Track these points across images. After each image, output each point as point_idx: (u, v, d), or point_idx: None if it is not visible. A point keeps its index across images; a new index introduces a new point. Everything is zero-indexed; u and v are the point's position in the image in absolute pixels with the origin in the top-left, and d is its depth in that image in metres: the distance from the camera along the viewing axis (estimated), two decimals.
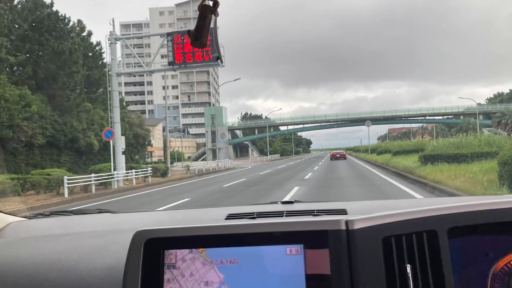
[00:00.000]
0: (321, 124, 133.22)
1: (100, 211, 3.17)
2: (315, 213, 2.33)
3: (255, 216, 2.35)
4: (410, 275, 1.28)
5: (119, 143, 32.84)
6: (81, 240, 2.10)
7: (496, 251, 1.37)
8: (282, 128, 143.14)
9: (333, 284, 1.28)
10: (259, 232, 1.35)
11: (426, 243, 1.33)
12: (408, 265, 1.30)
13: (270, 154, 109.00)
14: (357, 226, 1.32)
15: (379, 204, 2.64)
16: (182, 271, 1.37)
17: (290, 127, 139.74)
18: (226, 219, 2.41)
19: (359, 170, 40.44)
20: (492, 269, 1.35)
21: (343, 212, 2.35)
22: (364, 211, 2.34)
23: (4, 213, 2.81)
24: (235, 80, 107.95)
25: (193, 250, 1.38)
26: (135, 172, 33.79)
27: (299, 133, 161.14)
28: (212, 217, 2.57)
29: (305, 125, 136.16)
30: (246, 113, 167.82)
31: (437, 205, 1.40)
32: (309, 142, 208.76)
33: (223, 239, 1.38)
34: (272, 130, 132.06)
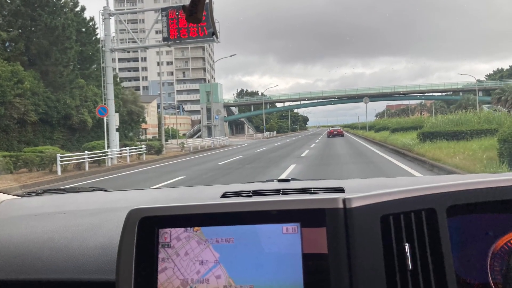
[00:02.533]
0: (318, 100, 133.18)
1: (94, 189, 3.17)
2: (312, 191, 2.33)
3: (251, 194, 2.35)
4: (408, 254, 1.28)
5: (113, 120, 32.79)
6: (74, 218, 2.09)
7: (496, 230, 1.37)
8: (278, 105, 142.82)
9: (330, 263, 1.27)
10: (255, 211, 1.35)
11: (424, 222, 1.32)
12: (407, 244, 1.29)
13: (266, 131, 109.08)
14: (355, 204, 1.31)
15: (377, 182, 2.63)
16: (177, 250, 1.36)
17: (287, 104, 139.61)
18: (221, 197, 2.40)
19: (356, 147, 40.41)
20: (492, 248, 1.35)
21: (340, 190, 2.35)
22: (362, 189, 2.34)
23: None
24: (230, 56, 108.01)
25: (188, 228, 1.37)
26: (129, 149, 33.69)
27: (295, 110, 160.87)
28: (208, 195, 2.56)
29: (302, 102, 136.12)
30: (242, 90, 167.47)
31: (436, 183, 1.39)
32: (306, 119, 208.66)
33: (219, 218, 1.37)
34: (268, 106, 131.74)
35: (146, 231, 1.37)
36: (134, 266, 1.35)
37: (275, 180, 2.88)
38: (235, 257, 1.33)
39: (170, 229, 1.37)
